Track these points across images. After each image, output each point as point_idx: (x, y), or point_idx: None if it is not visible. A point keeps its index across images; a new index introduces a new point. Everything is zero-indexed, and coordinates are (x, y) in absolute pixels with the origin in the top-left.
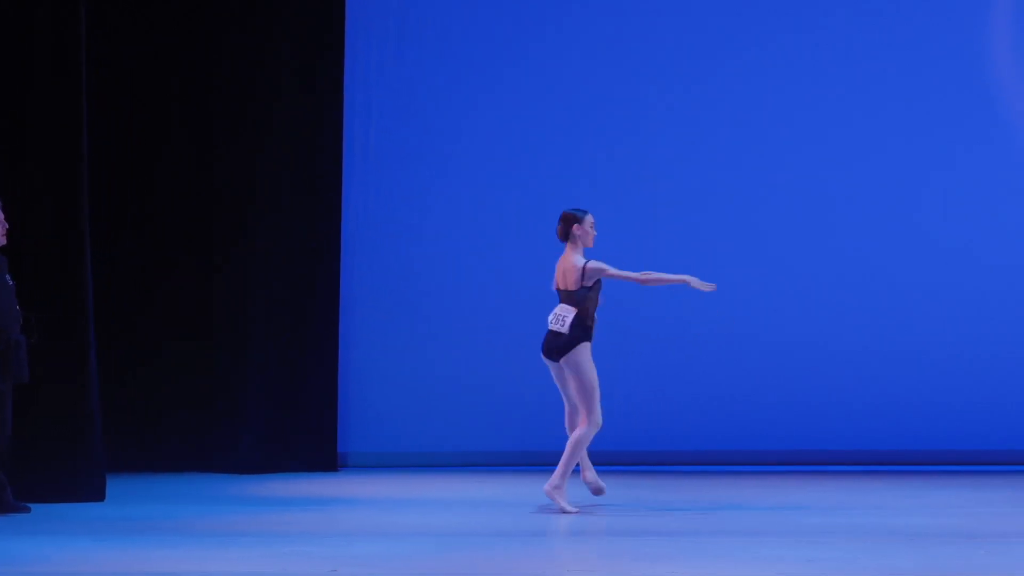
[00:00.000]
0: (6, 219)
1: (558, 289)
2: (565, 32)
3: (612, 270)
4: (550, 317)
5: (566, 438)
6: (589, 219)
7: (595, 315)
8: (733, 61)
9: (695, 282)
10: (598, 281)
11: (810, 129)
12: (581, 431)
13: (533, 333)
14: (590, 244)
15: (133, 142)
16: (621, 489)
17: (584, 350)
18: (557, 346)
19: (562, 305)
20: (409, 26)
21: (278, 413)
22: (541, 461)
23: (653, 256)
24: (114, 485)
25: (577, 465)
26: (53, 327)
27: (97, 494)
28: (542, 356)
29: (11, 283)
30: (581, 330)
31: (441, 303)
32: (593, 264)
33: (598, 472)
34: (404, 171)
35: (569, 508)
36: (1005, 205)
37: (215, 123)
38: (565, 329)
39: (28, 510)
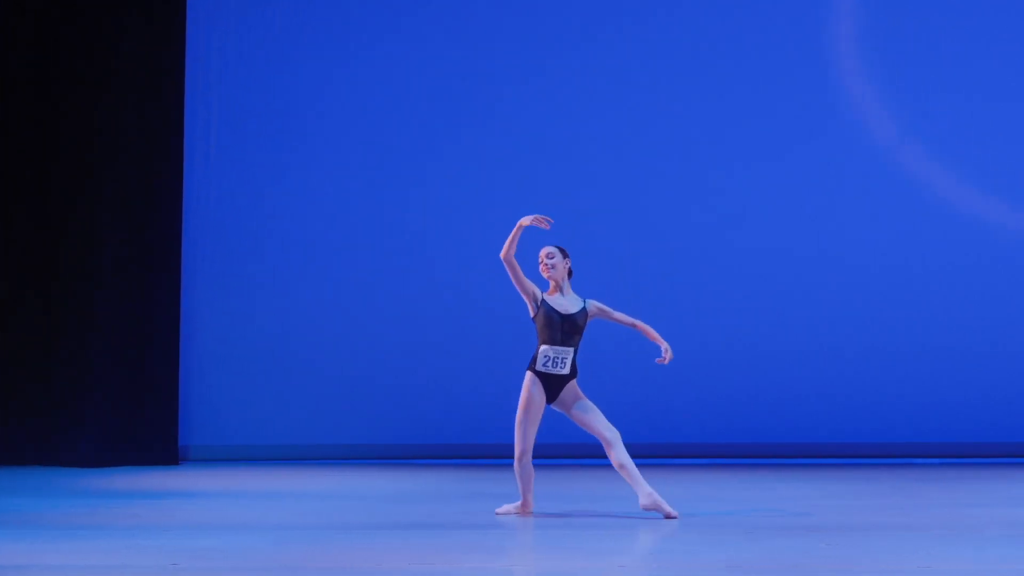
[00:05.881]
0: None
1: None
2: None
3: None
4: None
5: (407, 429)
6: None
7: (541, 346)
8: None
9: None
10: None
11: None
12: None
13: (379, 325)
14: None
15: None
16: (465, 483)
17: (526, 378)
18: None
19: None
20: None
21: (119, 406)
22: (383, 454)
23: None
24: None
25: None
26: None
27: None
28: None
29: None
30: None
31: (285, 294)
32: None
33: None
34: (247, 146)
35: (671, 511)
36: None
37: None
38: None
39: None
